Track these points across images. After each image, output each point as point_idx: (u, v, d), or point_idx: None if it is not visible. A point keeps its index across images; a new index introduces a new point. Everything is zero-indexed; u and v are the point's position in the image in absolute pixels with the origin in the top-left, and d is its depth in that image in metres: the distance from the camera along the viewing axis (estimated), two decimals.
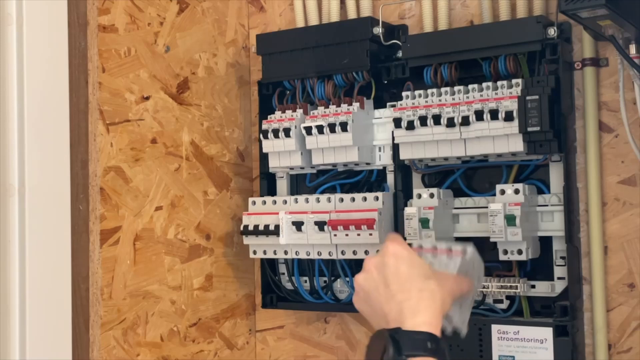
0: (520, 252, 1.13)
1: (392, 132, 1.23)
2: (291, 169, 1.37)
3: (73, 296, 1.14)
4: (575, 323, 1.15)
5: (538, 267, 1.19)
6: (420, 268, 0.87)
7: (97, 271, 1.16)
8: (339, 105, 1.28)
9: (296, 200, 1.30)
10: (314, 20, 1.39)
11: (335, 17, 1.37)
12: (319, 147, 1.28)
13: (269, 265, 1.38)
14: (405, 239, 1.20)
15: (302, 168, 1.34)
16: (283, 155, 1.32)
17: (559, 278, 1.16)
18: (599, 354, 1.15)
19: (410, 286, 0.84)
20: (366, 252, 1.23)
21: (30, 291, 1.08)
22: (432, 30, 1.28)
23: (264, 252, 1.33)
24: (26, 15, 1.10)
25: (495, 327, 1.17)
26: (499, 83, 1.16)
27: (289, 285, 1.36)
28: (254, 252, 1.34)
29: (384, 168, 1.30)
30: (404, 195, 1.25)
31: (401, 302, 0.83)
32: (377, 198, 1.23)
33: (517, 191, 1.14)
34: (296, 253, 1.30)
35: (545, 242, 1.17)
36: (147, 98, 1.27)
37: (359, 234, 1.22)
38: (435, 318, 0.83)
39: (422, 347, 0.78)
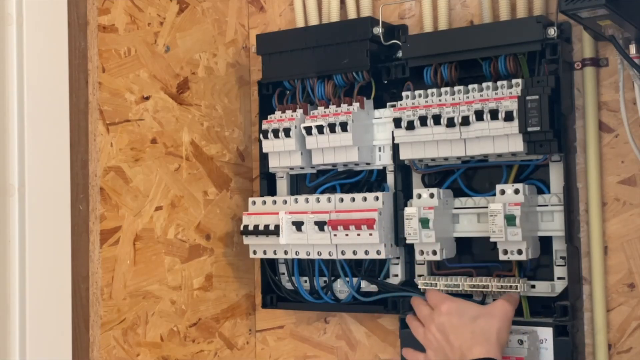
0: (520, 252, 1.13)
1: (392, 132, 1.23)
2: (291, 169, 1.37)
3: (73, 296, 1.14)
4: (575, 323, 1.15)
5: (538, 267, 1.19)
6: (469, 312, 1.10)
7: (97, 271, 1.16)
8: (339, 105, 1.28)
9: (296, 200, 1.30)
10: (314, 20, 1.39)
11: (335, 17, 1.37)
12: (319, 147, 1.28)
13: (269, 265, 1.38)
14: (405, 239, 1.21)
15: (302, 168, 1.34)
16: (283, 155, 1.32)
17: (559, 278, 1.16)
18: (599, 354, 1.15)
19: (464, 331, 1.07)
20: (366, 252, 1.23)
21: (30, 291, 1.08)
22: (432, 30, 1.28)
23: (264, 252, 1.33)
24: (26, 15, 1.10)
25: None
26: (499, 83, 1.16)
27: (289, 285, 1.36)
28: (254, 252, 1.34)
29: (384, 168, 1.30)
30: (404, 195, 1.25)
31: (460, 347, 1.06)
32: (377, 198, 1.23)
33: (517, 191, 1.14)
34: (296, 253, 1.30)
35: (545, 242, 1.17)
36: (147, 98, 1.27)
37: (359, 234, 1.22)
38: (492, 347, 1.05)
39: None
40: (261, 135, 1.33)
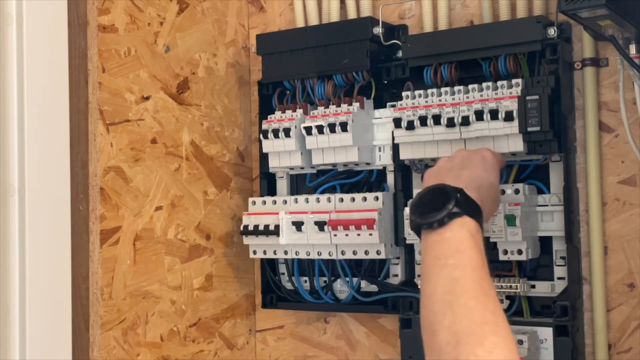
0: (520, 252, 1.13)
1: (392, 132, 1.23)
2: (291, 169, 1.37)
3: (73, 296, 1.14)
4: (575, 323, 1.15)
5: (538, 267, 1.19)
6: (494, 179, 1.03)
7: (97, 271, 1.16)
8: (339, 105, 1.28)
9: (296, 200, 1.30)
10: (314, 20, 1.39)
11: (335, 17, 1.37)
12: (319, 147, 1.28)
13: (269, 265, 1.38)
14: (405, 239, 1.21)
15: (302, 168, 1.34)
16: (283, 155, 1.32)
17: (559, 278, 1.16)
18: (599, 354, 1.15)
19: (477, 179, 0.99)
20: (366, 252, 1.23)
21: (30, 291, 1.08)
22: (432, 30, 1.28)
23: (264, 252, 1.33)
24: (26, 15, 1.10)
25: None
26: (499, 83, 1.16)
27: (289, 285, 1.36)
28: (254, 252, 1.34)
29: (384, 168, 1.30)
30: (404, 195, 1.25)
31: (462, 180, 0.97)
32: (377, 198, 1.23)
33: (517, 191, 1.14)
34: (296, 253, 1.30)
35: (545, 242, 1.17)
36: (147, 98, 1.27)
37: (359, 234, 1.21)
38: (481, 203, 0.95)
39: (476, 211, 0.92)
40: (261, 135, 1.33)
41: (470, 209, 0.91)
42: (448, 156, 1.06)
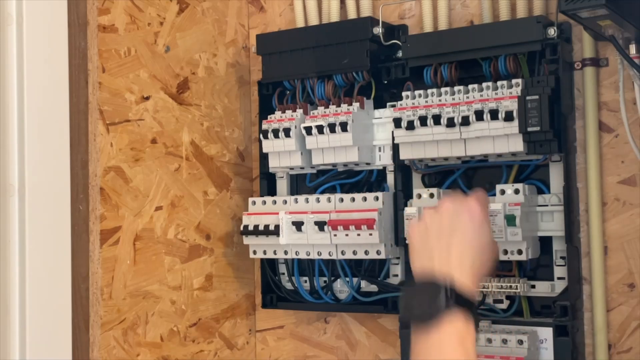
0: (520, 252, 1.13)
1: (392, 132, 1.23)
2: (291, 169, 1.37)
3: (73, 296, 1.14)
4: (575, 323, 1.15)
5: (538, 267, 1.19)
6: (487, 234, 0.95)
7: (97, 271, 1.16)
8: (339, 105, 1.28)
9: (296, 200, 1.30)
10: (314, 20, 1.39)
11: (335, 17, 1.37)
12: (319, 147, 1.28)
13: (269, 265, 1.38)
14: (405, 239, 1.21)
15: (302, 168, 1.34)
16: (283, 155, 1.32)
17: (559, 278, 1.16)
18: (599, 354, 1.15)
19: (469, 250, 0.93)
20: (366, 252, 1.23)
21: (30, 291, 1.08)
22: (432, 30, 1.28)
23: (264, 252, 1.33)
24: (26, 15, 1.10)
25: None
26: (499, 83, 1.16)
27: (289, 285, 1.36)
28: (254, 252, 1.34)
29: (384, 168, 1.30)
30: (404, 195, 1.25)
31: (454, 257, 0.91)
32: (377, 198, 1.23)
33: (517, 191, 1.14)
34: (296, 253, 1.30)
35: (545, 242, 1.17)
36: (147, 98, 1.27)
37: (359, 234, 1.22)
38: (476, 284, 0.92)
39: (467, 302, 0.87)
40: (261, 135, 1.33)
41: (461, 302, 0.88)
42: (433, 209, 0.97)
